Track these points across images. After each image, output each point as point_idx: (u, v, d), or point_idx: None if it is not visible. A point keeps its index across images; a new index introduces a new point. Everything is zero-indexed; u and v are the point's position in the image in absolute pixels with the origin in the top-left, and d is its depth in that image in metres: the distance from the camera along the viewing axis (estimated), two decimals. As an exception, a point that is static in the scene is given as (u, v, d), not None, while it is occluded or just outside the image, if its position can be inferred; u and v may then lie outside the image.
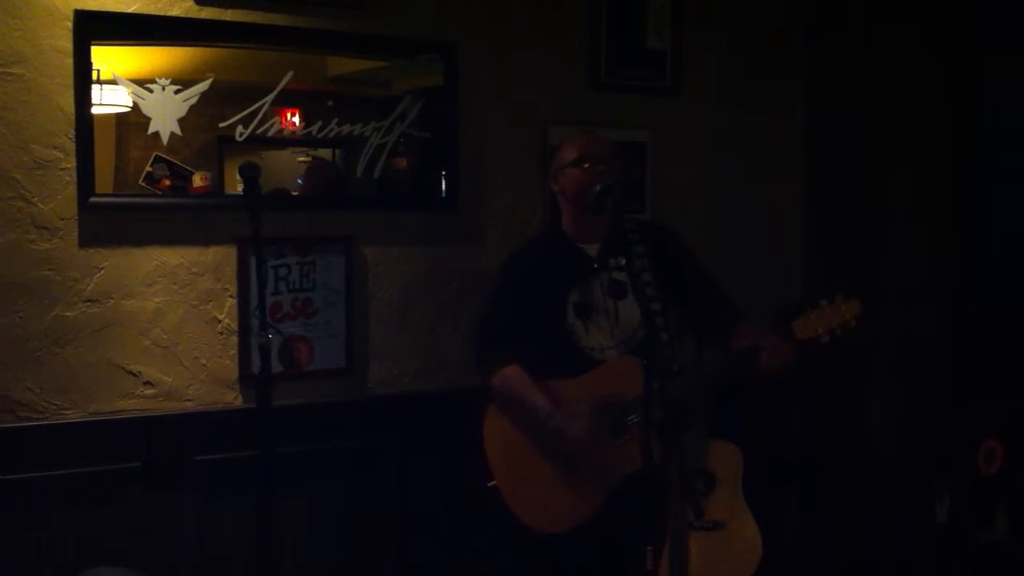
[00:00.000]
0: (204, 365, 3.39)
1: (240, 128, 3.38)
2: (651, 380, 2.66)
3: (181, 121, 3.29)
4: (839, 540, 4.22)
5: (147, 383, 3.31)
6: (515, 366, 3.19)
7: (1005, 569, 3.76)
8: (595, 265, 3.23)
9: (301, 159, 3.61)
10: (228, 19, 3.37)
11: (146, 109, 3.26)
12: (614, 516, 3.06)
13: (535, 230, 3.81)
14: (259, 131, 3.41)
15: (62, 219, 3.17)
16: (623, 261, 3.14)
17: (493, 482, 3.14)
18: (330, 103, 3.57)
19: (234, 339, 3.42)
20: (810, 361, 4.26)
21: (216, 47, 3.41)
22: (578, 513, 3.09)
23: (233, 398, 3.43)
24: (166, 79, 3.27)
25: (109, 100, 3.25)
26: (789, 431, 4.35)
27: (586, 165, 3.21)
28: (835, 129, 4.45)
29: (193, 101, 3.31)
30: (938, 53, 4.28)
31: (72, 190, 3.17)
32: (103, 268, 3.24)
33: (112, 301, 3.25)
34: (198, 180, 3.36)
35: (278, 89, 3.43)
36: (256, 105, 3.40)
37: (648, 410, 2.67)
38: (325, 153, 3.66)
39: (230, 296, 3.41)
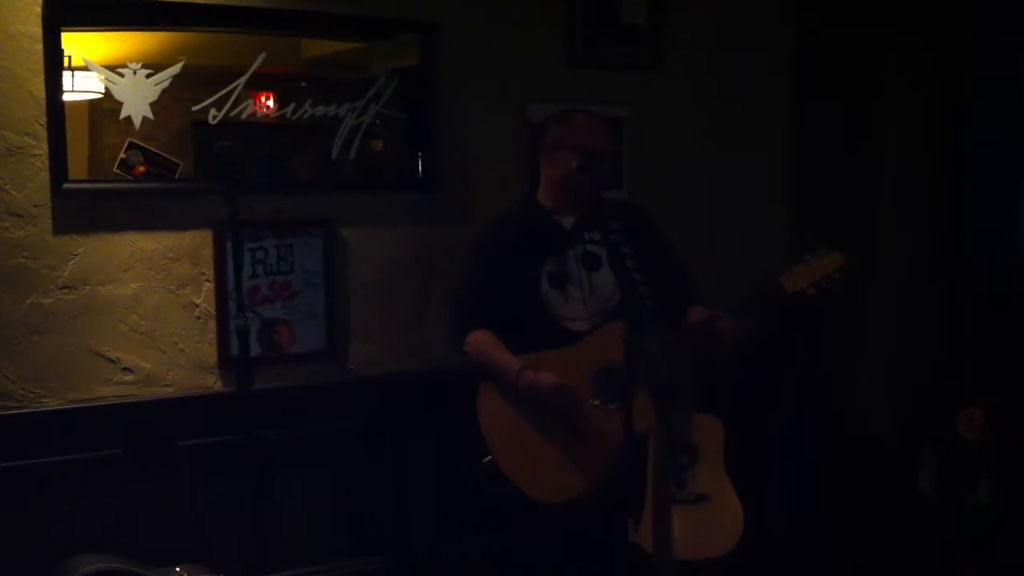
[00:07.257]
0: (183, 350, 3.38)
1: (213, 111, 3.37)
2: (635, 343, 2.65)
3: (153, 105, 3.28)
4: (829, 514, 4.23)
5: (126, 369, 3.30)
6: (484, 331, 3.19)
7: (989, 534, 3.77)
8: (570, 237, 3.23)
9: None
10: (200, 1, 3.34)
11: (118, 94, 3.25)
12: (612, 485, 3.05)
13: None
14: (232, 114, 3.39)
15: (35, 206, 3.15)
16: (598, 235, 3.14)
17: (488, 457, 3.11)
18: (303, 84, 3.55)
19: (212, 324, 3.41)
20: (801, 335, 4.29)
21: (188, 31, 3.39)
22: (585, 479, 3.08)
23: (213, 382, 3.42)
24: (137, 63, 3.26)
25: (81, 86, 3.23)
26: (780, 407, 4.34)
27: (576, 163, 3.15)
28: (819, 104, 4.42)
29: (165, 85, 3.29)
30: (928, 37, 4.23)
31: (45, 176, 3.15)
32: (78, 255, 3.22)
33: (88, 287, 3.24)
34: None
35: (251, 71, 3.41)
36: (229, 88, 3.38)
37: (632, 373, 2.66)
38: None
39: (207, 280, 3.40)
